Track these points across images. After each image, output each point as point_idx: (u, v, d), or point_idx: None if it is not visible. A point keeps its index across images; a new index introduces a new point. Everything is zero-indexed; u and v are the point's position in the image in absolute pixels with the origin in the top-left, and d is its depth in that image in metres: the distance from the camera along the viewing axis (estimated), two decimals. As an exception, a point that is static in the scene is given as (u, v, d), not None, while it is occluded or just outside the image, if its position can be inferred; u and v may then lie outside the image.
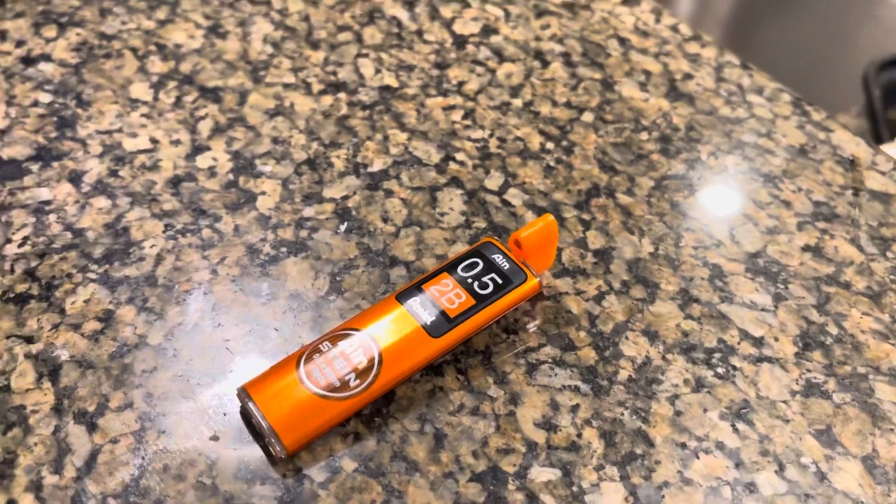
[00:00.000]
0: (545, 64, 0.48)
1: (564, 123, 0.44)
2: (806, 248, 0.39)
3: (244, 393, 0.31)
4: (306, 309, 0.35)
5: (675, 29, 0.51)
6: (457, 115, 0.44)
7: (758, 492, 0.31)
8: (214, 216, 0.38)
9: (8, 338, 0.33)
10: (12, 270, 0.35)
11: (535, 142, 0.43)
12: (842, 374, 0.34)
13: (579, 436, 0.32)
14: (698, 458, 0.31)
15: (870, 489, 0.31)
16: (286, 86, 0.44)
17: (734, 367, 0.34)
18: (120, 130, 0.41)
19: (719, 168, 0.43)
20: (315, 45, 0.47)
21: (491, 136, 0.43)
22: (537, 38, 0.49)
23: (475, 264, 0.35)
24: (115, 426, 0.30)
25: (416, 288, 0.34)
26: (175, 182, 0.39)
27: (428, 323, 0.33)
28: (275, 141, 0.42)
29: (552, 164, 0.42)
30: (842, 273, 0.38)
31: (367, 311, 0.33)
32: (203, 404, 0.31)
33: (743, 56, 0.50)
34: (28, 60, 0.45)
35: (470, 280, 0.34)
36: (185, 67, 0.45)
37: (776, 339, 0.35)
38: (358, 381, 0.31)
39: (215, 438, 0.30)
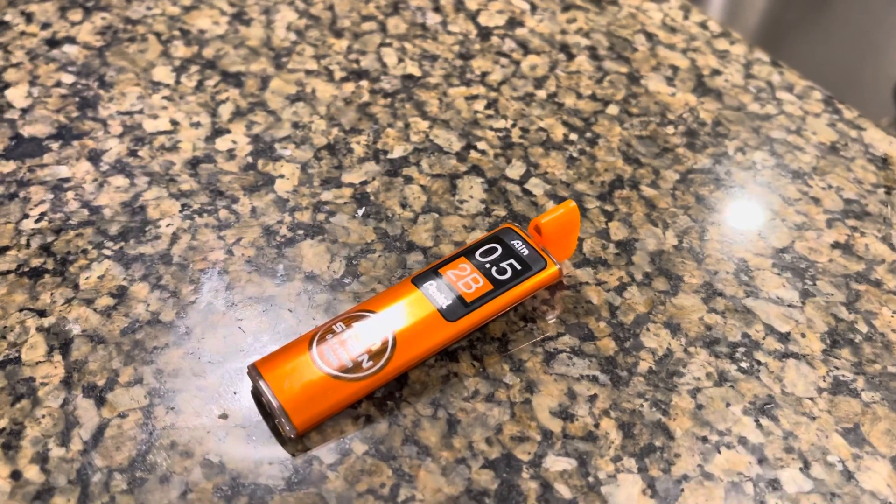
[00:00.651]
0: (570, 57, 0.47)
1: (589, 115, 0.43)
2: (835, 245, 0.38)
3: (255, 371, 0.30)
4: (321, 291, 0.34)
5: (703, 26, 0.50)
6: (479, 105, 0.43)
7: (781, 489, 0.29)
8: (232, 197, 0.38)
9: (21, 311, 0.33)
10: (28, 245, 0.35)
11: (559, 133, 0.42)
12: (871, 373, 0.33)
13: (596, 426, 0.31)
14: (720, 452, 0.30)
15: (899, 490, 0.30)
16: (308, 72, 0.44)
17: (759, 362, 0.33)
18: (141, 112, 0.41)
19: (747, 163, 0.42)
20: (338, 34, 0.47)
21: (513, 126, 0.42)
22: (563, 32, 0.48)
23: (494, 249, 0.34)
24: (123, 401, 0.30)
25: (432, 272, 0.33)
26: (193, 163, 0.39)
27: (444, 307, 0.32)
28: (295, 126, 0.41)
29: (575, 154, 0.41)
30: (872, 271, 0.37)
31: (383, 294, 0.33)
32: (213, 382, 0.31)
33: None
34: (53, 42, 0.45)
35: (488, 265, 0.33)
36: (208, 52, 0.45)
37: (803, 336, 0.34)
38: (371, 362, 0.30)
39: (224, 417, 0.30)
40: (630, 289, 0.35)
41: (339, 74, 0.44)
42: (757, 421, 0.31)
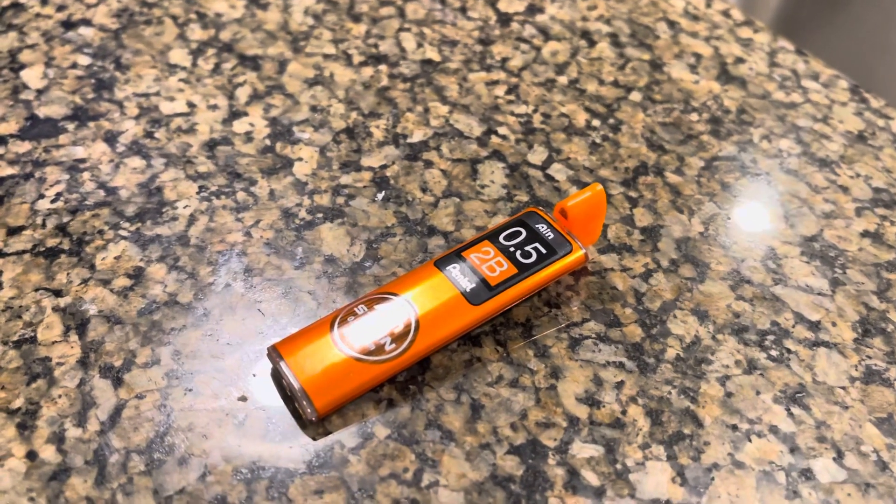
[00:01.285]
0: (592, 43, 0.46)
1: (611, 102, 0.43)
2: (865, 234, 0.37)
3: (275, 352, 0.29)
4: (341, 274, 0.33)
5: (726, 14, 0.49)
6: (500, 91, 0.43)
7: (814, 479, 0.29)
8: (250, 180, 0.37)
9: (36, 290, 0.32)
10: (44, 225, 0.34)
11: (581, 119, 0.41)
12: (904, 363, 0.32)
13: (624, 413, 0.30)
14: (750, 441, 0.29)
15: (936, 481, 0.29)
16: (326, 56, 0.44)
17: (789, 351, 0.32)
18: (157, 94, 0.41)
19: (772, 151, 0.41)
20: (356, 19, 0.46)
21: (535, 111, 0.42)
22: (584, 19, 0.48)
23: (518, 233, 0.33)
24: (141, 382, 0.29)
25: (455, 255, 0.32)
26: (211, 145, 0.38)
27: (468, 290, 0.31)
28: (313, 109, 0.41)
29: (598, 141, 0.40)
30: (903, 260, 0.36)
31: (405, 277, 0.32)
32: (232, 364, 0.30)
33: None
34: (68, 24, 0.44)
35: (512, 249, 0.33)
36: (225, 36, 0.44)
37: (833, 324, 0.33)
38: (394, 345, 0.30)
39: (243, 399, 0.29)
40: (656, 275, 0.35)
41: (357, 59, 0.44)
42: (788, 409, 0.30)
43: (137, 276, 0.33)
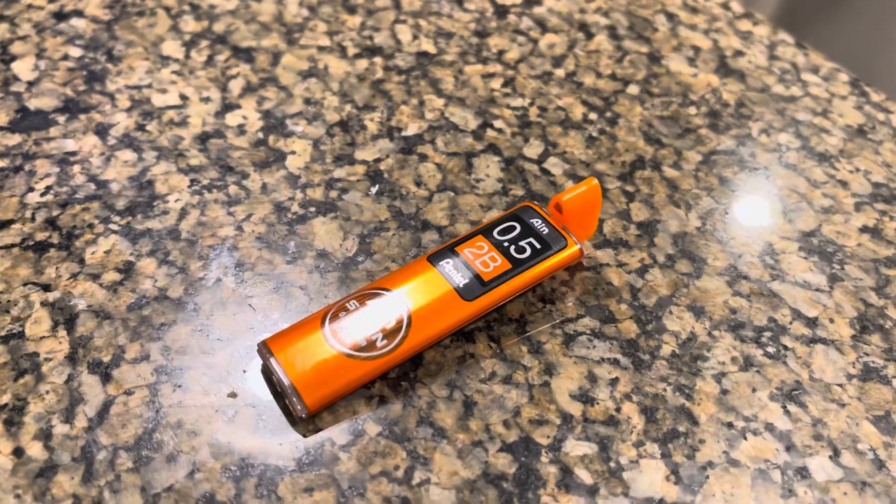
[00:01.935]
0: (589, 36, 0.46)
1: (609, 95, 0.42)
2: (864, 230, 0.37)
3: (265, 348, 0.29)
4: (333, 269, 0.33)
5: (725, 6, 0.49)
6: (496, 83, 0.42)
7: (810, 477, 0.28)
8: (242, 173, 0.36)
9: (25, 285, 0.32)
10: (33, 219, 0.34)
11: (578, 112, 0.41)
12: (902, 360, 0.32)
13: (618, 410, 0.30)
14: (746, 438, 0.29)
15: (934, 480, 0.28)
16: (321, 48, 0.43)
17: (786, 347, 0.32)
18: (150, 86, 0.40)
19: (771, 145, 0.40)
20: (352, 10, 0.46)
21: (531, 104, 0.41)
22: (582, 11, 0.47)
23: (512, 228, 0.33)
24: (129, 378, 0.29)
25: (449, 250, 0.32)
26: (203, 138, 0.38)
27: (461, 285, 0.31)
28: (307, 102, 0.40)
29: (595, 134, 0.40)
30: (902, 256, 0.36)
31: (398, 272, 0.32)
32: (222, 360, 0.30)
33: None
34: (60, 16, 0.44)
35: (506, 244, 0.32)
36: (219, 27, 0.44)
37: (831, 321, 0.33)
38: (385, 341, 0.29)
39: (233, 395, 0.29)
40: (652, 271, 0.34)
41: (352, 51, 0.43)
42: (784, 407, 0.30)
43: (127, 270, 0.32)
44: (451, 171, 0.38)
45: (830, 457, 0.29)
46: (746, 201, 0.38)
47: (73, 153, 0.37)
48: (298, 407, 0.28)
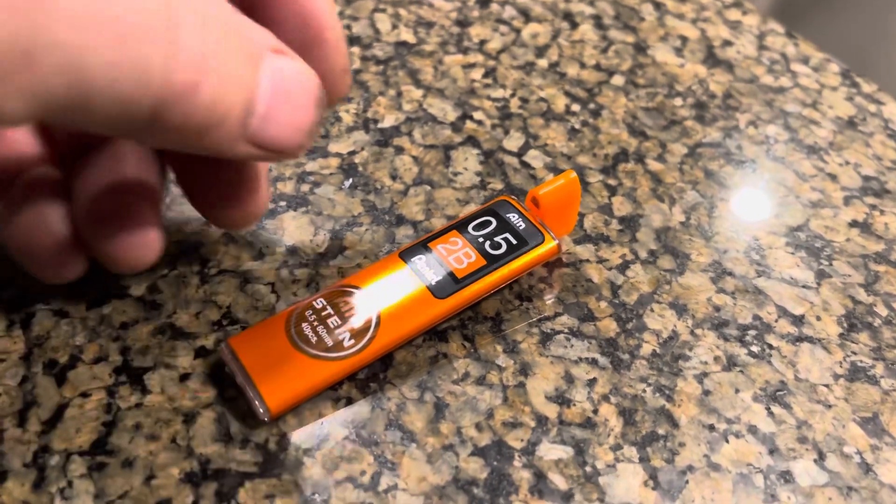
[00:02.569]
0: (574, 25, 0.44)
1: (592, 86, 0.41)
2: (853, 224, 0.36)
3: (229, 349, 0.28)
4: (303, 265, 0.32)
5: (714, -5, 0.48)
6: (477, 74, 0.41)
7: (794, 481, 0.27)
8: (211, 167, 0.35)
9: (-19, 282, 0.30)
10: (-8, 214, 0.33)
11: (560, 103, 0.40)
12: (891, 359, 0.31)
13: (595, 412, 0.28)
14: (728, 441, 0.28)
15: (922, 484, 0.27)
16: (297, 38, 0.42)
17: (770, 346, 0.31)
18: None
19: (759, 137, 0.39)
20: (330, -1, 0.44)
21: (512, 95, 0.40)
22: (566, 0, 0.46)
23: (488, 223, 0.32)
24: (86, 379, 0.28)
25: (421, 246, 0.31)
26: (172, 131, 0.37)
27: (433, 283, 0.30)
28: (281, 93, 0.39)
29: (577, 126, 0.39)
30: (892, 251, 0.35)
31: (368, 269, 0.30)
32: (184, 360, 0.29)
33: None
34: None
35: (481, 239, 0.31)
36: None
37: (818, 319, 0.32)
38: (353, 341, 0.28)
39: (194, 397, 0.28)
40: (633, 267, 0.33)
41: (329, 40, 0.42)
42: (768, 408, 0.29)
43: (88, 268, 0.31)
44: (429, 165, 0.36)
45: (815, 460, 0.28)
46: (732, 195, 0.36)
47: (37, 146, 0.35)
48: (261, 410, 0.27)
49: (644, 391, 0.29)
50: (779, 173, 0.38)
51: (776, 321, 0.32)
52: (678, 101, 0.41)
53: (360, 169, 0.36)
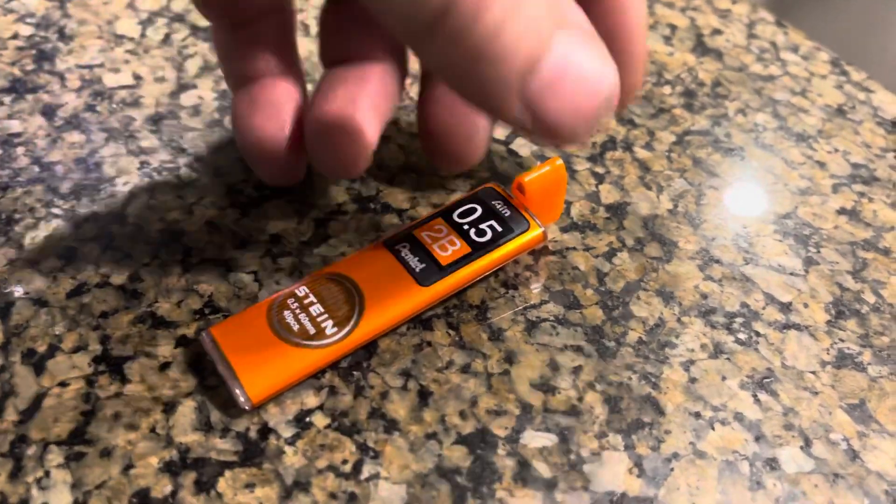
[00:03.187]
0: (562, 14, 0.44)
1: (580, 74, 0.41)
2: (841, 211, 0.36)
3: (209, 337, 0.27)
4: (286, 254, 0.32)
5: (704, -17, 0.47)
6: (464, 62, 0.41)
7: (780, 469, 0.27)
8: (195, 155, 0.35)
9: (-41, 272, 0.30)
10: (-28, 203, 0.32)
11: (548, 91, 0.39)
12: (879, 346, 0.31)
13: (580, 400, 0.28)
14: (713, 429, 0.28)
15: (909, 471, 0.27)
16: (282, 26, 0.41)
17: (757, 334, 0.31)
18: (101, 66, 0.39)
19: (748, 125, 0.39)
20: (316, -12, 0.44)
21: (499, 84, 0.40)
22: (555, -12, 0.46)
23: (473, 210, 0.31)
24: (64, 369, 0.28)
25: (406, 233, 0.31)
26: (156, 119, 0.36)
27: (417, 270, 0.29)
28: (266, 81, 0.38)
29: (565, 114, 0.38)
30: (881, 238, 0.35)
31: (351, 257, 0.30)
32: (165, 349, 0.28)
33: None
34: (11, -7, 0.42)
35: (466, 227, 0.31)
36: (177, 6, 0.42)
37: (806, 306, 0.32)
38: (335, 329, 0.28)
39: (174, 386, 0.27)
40: (620, 255, 0.33)
41: (316, 29, 0.42)
42: (755, 396, 0.29)
43: (69, 256, 0.31)
44: (415, 153, 0.36)
45: (801, 447, 0.28)
46: (720, 183, 0.36)
47: (17, 134, 0.35)
48: (242, 398, 0.26)
49: (630, 379, 0.29)
50: (767, 161, 0.37)
51: (763, 308, 0.32)
52: (667, 90, 0.40)
53: (345, 157, 0.35)
